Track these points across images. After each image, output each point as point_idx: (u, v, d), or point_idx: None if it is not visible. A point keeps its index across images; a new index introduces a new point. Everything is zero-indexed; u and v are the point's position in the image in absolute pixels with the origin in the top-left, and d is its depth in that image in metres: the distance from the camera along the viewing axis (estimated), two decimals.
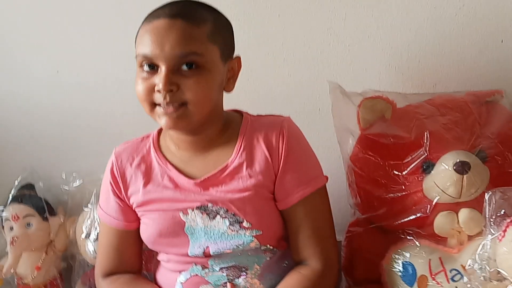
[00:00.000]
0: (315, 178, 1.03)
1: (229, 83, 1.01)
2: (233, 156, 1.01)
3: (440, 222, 1.05)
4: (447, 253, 1.05)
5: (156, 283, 1.12)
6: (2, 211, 1.44)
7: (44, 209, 1.46)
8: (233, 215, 0.99)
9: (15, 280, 1.44)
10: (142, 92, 0.95)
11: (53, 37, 1.47)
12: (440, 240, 1.07)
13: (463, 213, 1.04)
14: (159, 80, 0.91)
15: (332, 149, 1.23)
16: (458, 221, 1.04)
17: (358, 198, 1.17)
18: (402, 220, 1.08)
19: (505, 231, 0.96)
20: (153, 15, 0.96)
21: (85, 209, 1.43)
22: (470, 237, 1.05)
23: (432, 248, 1.06)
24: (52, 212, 1.48)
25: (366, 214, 1.16)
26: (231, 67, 1.01)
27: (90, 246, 1.38)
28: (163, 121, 0.95)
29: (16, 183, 1.47)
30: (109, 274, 1.10)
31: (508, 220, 0.97)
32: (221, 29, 0.98)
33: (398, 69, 1.29)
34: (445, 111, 1.11)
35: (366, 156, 1.14)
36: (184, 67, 0.92)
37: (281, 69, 1.33)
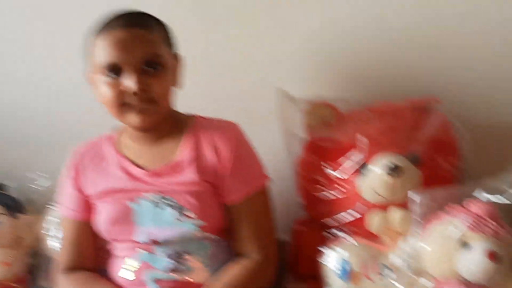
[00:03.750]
0: (257, 179, 1.12)
1: (177, 80, 1.12)
2: (183, 152, 1.11)
3: (374, 221, 1.11)
4: (380, 250, 1.11)
5: (109, 274, 1.17)
6: None
7: (14, 207, 1.52)
8: (179, 205, 1.07)
9: None
10: (111, 96, 1.05)
11: (21, 39, 1.54)
12: (374, 238, 1.13)
13: (395, 213, 1.10)
14: (130, 82, 1.02)
15: (283, 152, 1.29)
16: (391, 220, 1.10)
17: (302, 198, 1.24)
18: (340, 219, 1.15)
19: (427, 229, 1.03)
20: (107, 28, 1.06)
21: (52, 208, 1.49)
22: (402, 235, 1.10)
23: (366, 246, 1.12)
24: (22, 210, 1.54)
25: (310, 213, 1.23)
26: (177, 66, 1.12)
27: (55, 243, 1.44)
28: (134, 120, 1.06)
29: None
30: (68, 268, 1.17)
31: (431, 220, 1.03)
32: (168, 33, 1.11)
33: (346, 76, 1.36)
34: (382, 117, 1.17)
35: (309, 159, 1.21)
36: (147, 68, 1.04)
37: (230, 75, 1.39)
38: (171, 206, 1.08)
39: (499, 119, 1.34)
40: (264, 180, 1.13)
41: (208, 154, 1.09)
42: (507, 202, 1.01)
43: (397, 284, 1.02)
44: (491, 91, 1.34)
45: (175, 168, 1.10)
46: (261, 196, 1.12)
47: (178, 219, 1.07)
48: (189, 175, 1.09)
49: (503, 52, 1.32)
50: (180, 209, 1.07)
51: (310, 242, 1.19)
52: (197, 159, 1.09)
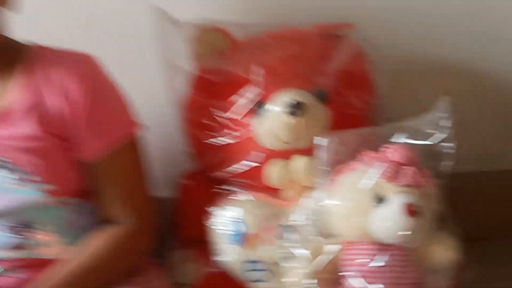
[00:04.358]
0: (122, 128, 0.91)
1: None
2: (15, 95, 0.86)
3: (273, 172, 0.95)
4: (280, 207, 0.95)
5: None
6: None
7: None
8: (16, 166, 0.85)
9: None
10: None
11: None
12: (275, 192, 0.97)
13: (298, 161, 0.94)
14: None
15: (164, 91, 1.07)
16: (294, 170, 0.94)
17: (190, 147, 1.05)
18: (234, 170, 0.98)
19: (335, 180, 0.86)
20: None
21: None
22: (307, 189, 0.94)
23: (264, 202, 0.96)
24: None
25: (199, 165, 1.05)
26: None
27: None
28: None
29: None
30: None
31: (340, 169, 0.87)
32: None
33: None
34: (285, 45, 0.99)
35: (197, 98, 1.01)
36: None
37: None
38: (4, 168, 0.85)
39: (422, 51, 1.21)
40: (132, 128, 0.92)
41: (53, 98, 0.86)
42: (430, 145, 0.86)
43: (299, 248, 0.86)
44: (415, 18, 1.19)
45: (5, 117, 0.85)
46: (129, 149, 0.91)
47: (17, 184, 0.85)
48: (27, 126, 0.85)
49: None
50: (17, 171, 0.85)
51: (199, 199, 1.01)
52: (38, 105, 0.85)
